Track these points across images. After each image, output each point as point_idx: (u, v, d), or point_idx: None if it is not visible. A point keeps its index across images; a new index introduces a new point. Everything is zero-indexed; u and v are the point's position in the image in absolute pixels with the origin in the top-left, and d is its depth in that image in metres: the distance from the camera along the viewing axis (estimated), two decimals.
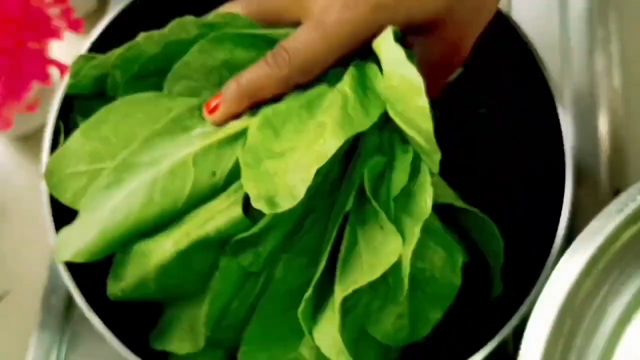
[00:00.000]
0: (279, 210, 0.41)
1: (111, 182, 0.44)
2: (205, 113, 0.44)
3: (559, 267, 0.43)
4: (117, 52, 0.47)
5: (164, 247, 0.44)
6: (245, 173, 0.42)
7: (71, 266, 0.47)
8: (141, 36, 0.47)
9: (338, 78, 0.44)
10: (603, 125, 0.63)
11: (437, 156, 0.42)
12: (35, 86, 0.62)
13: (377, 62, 0.44)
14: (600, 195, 0.60)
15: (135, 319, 0.51)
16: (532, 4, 0.69)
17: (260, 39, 0.46)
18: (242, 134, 0.44)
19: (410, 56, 0.42)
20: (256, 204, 0.41)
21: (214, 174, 0.43)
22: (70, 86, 0.49)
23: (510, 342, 0.56)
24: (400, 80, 0.41)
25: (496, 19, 0.54)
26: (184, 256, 0.44)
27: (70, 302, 0.59)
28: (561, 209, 0.48)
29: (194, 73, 0.47)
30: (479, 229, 0.49)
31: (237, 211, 0.43)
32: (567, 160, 0.50)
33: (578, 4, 0.68)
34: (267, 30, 0.46)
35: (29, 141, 0.67)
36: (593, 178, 0.61)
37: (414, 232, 0.42)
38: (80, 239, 0.44)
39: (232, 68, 0.46)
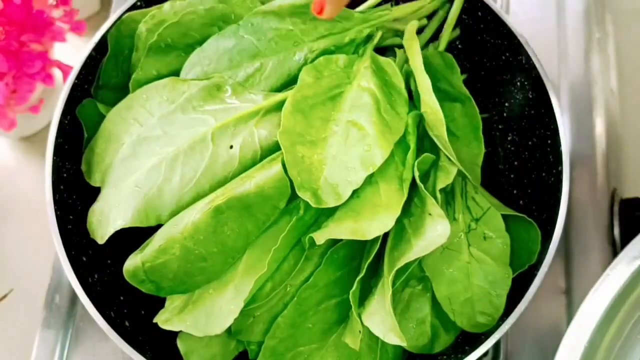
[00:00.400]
0: (325, 206, 0.44)
1: (127, 156, 0.48)
2: (315, 14, 0.47)
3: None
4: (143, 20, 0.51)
5: (197, 207, 0.46)
6: (286, 157, 0.45)
7: (75, 265, 0.48)
8: (167, 4, 0.51)
9: (351, 66, 0.50)
10: (599, 125, 0.64)
11: (472, 176, 0.48)
12: (39, 87, 0.62)
13: (394, 55, 0.51)
14: (597, 195, 0.60)
15: (138, 317, 0.51)
16: (530, 6, 0.69)
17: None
18: (255, 113, 0.48)
19: (450, 64, 0.51)
20: (301, 193, 0.44)
21: (231, 147, 0.47)
22: (102, 74, 0.53)
23: (505, 341, 0.56)
24: (431, 111, 0.47)
25: (494, 22, 0.55)
26: (218, 215, 0.45)
27: (73, 300, 0.59)
28: (558, 208, 0.49)
29: (206, 59, 0.50)
30: (520, 233, 0.50)
31: (278, 168, 0.45)
32: (564, 160, 0.50)
33: (575, 6, 0.69)
34: None
35: (32, 141, 0.68)
36: (590, 177, 0.61)
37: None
38: (116, 215, 0.47)
39: (241, 51, 0.50)
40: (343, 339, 0.47)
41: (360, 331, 0.45)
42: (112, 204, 0.48)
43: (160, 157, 0.47)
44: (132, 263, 0.46)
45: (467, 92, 0.51)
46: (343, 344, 0.47)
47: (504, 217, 0.50)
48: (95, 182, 0.50)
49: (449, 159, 0.48)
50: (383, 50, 0.54)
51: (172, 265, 0.46)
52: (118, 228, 0.47)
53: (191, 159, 0.47)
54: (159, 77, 0.51)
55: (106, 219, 0.48)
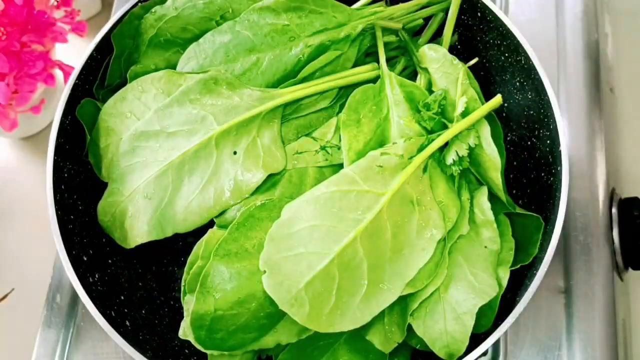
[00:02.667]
0: None
1: (126, 151, 0.49)
2: None
3: None
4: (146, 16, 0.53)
5: None
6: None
7: (76, 264, 0.48)
8: (169, 0, 0.52)
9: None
10: (598, 125, 0.64)
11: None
12: (40, 88, 0.63)
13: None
14: (596, 194, 0.60)
15: (139, 317, 0.51)
16: (529, 7, 0.69)
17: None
18: (256, 117, 0.49)
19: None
20: None
21: (235, 152, 0.48)
22: (109, 74, 0.54)
23: (505, 340, 0.56)
24: (488, 157, 0.48)
25: (494, 23, 0.55)
26: None
27: (74, 299, 0.59)
28: (557, 208, 0.49)
29: (202, 53, 0.51)
30: (525, 230, 0.50)
31: None
32: (563, 160, 0.50)
33: (573, 7, 0.69)
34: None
35: (34, 141, 0.68)
36: (588, 177, 0.61)
37: None
38: (132, 225, 0.48)
39: (237, 45, 0.51)
40: (370, 339, 0.48)
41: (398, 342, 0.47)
42: (123, 206, 0.48)
43: (166, 164, 0.48)
44: (202, 307, 0.45)
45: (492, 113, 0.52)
46: (354, 339, 0.48)
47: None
48: (103, 177, 0.50)
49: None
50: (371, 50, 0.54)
51: (240, 318, 0.45)
52: (138, 243, 0.48)
53: (197, 166, 0.48)
54: (157, 71, 0.51)
55: (120, 219, 0.48)
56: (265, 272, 0.43)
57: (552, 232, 0.48)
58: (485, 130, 0.48)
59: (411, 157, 0.47)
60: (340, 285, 0.43)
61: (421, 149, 0.48)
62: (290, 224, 0.44)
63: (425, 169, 0.47)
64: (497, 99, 0.50)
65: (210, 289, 0.45)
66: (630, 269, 0.59)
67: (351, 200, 0.45)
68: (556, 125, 0.51)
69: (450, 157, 0.48)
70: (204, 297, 0.45)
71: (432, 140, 0.48)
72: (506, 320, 0.46)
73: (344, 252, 0.44)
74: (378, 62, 0.53)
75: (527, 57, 0.53)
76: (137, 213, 0.48)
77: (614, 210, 0.59)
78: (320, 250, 0.44)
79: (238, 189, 0.48)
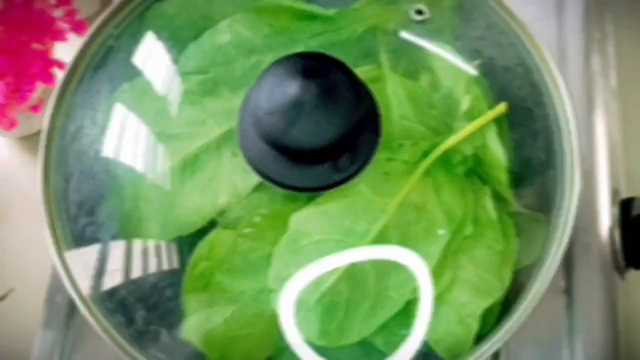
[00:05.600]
0: None
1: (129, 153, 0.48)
2: None
3: None
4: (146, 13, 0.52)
5: None
6: None
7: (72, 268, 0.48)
8: None
9: None
10: (599, 125, 0.64)
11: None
12: (40, 87, 0.63)
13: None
14: (597, 194, 0.60)
15: (139, 316, 0.51)
16: (530, 6, 0.69)
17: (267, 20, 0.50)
18: None
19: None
20: None
21: (234, 154, 0.47)
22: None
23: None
24: (493, 155, 0.48)
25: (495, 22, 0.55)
26: None
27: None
28: (561, 208, 0.49)
29: (201, 53, 0.50)
30: (528, 229, 0.50)
31: None
32: (566, 159, 0.50)
33: (574, 6, 0.69)
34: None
35: (33, 141, 0.68)
36: (589, 177, 0.61)
37: None
38: (143, 230, 0.48)
39: (237, 46, 0.50)
40: (371, 340, 0.47)
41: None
42: (126, 209, 0.48)
43: (167, 168, 0.48)
44: (213, 328, 0.45)
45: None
46: None
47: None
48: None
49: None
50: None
51: (253, 338, 0.45)
52: None
53: (197, 169, 0.47)
54: None
55: (125, 221, 0.48)
56: (273, 290, 0.43)
57: (555, 232, 0.48)
58: (491, 129, 0.48)
59: (416, 162, 0.47)
60: (348, 299, 0.43)
61: (426, 153, 0.47)
62: (297, 238, 0.44)
63: (427, 171, 0.47)
64: (501, 108, 0.49)
65: (218, 308, 0.45)
66: (631, 269, 0.59)
67: (358, 212, 0.44)
68: (558, 124, 0.51)
69: (455, 157, 0.48)
70: (213, 317, 0.45)
71: (437, 144, 0.48)
72: (507, 320, 0.46)
73: (351, 267, 0.43)
74: (379, 62, 0.53)
75: (530, 55, 0.53)
76: (140, 216, 0.48)
77: (615, 209, 0.59)
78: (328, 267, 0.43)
79: (236, 190, 0.48)
